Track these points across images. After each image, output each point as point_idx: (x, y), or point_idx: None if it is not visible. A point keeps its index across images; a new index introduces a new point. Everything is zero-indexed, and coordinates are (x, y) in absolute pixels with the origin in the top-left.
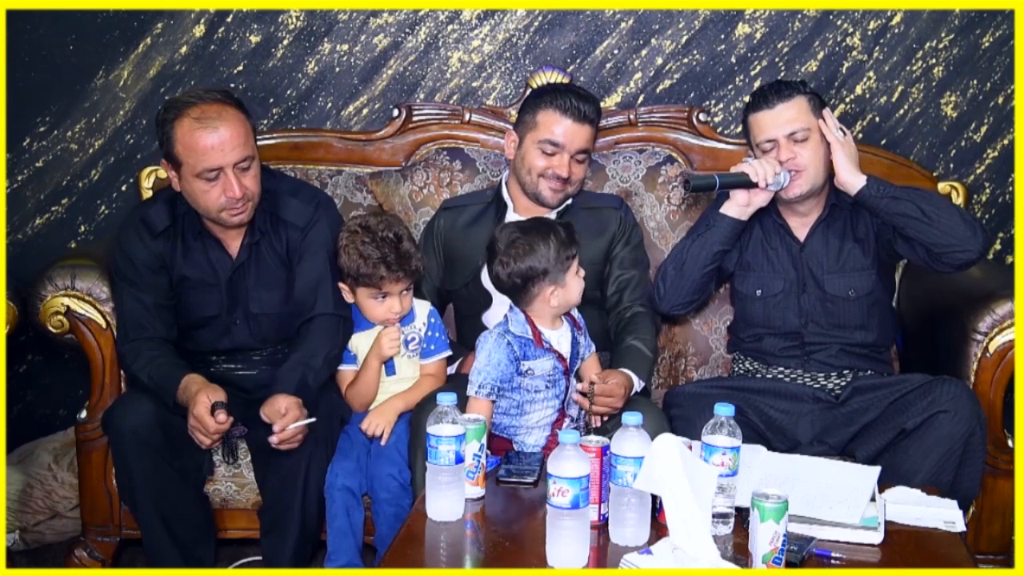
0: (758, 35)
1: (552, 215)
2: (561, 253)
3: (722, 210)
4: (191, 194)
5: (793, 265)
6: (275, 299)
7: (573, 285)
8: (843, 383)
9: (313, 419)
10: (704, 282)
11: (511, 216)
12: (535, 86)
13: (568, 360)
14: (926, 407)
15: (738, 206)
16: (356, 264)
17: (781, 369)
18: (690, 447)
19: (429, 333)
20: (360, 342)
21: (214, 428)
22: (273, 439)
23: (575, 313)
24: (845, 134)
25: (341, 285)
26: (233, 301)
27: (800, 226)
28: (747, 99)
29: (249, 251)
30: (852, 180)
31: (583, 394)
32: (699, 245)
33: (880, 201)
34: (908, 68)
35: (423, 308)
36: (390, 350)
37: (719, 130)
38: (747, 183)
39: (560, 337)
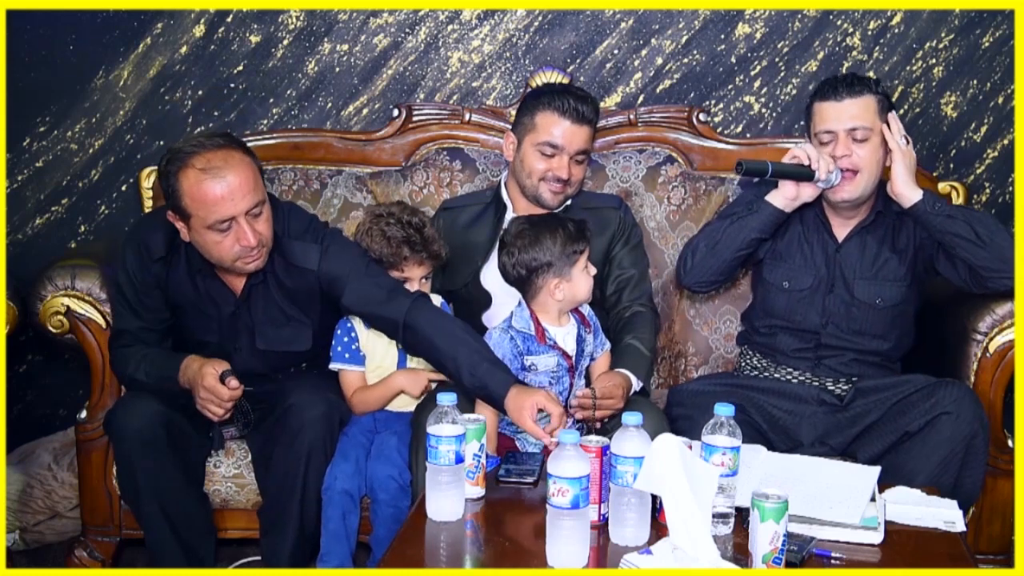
0: (758, 35)
1: None
2: (567, 247)
3: (768, 198)
4: (203, 245)
5: (826, 263)
6: (284, 336)
7: (580, 280)
8: (850, 388)
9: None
10: (734, 265)
11: (510, 217)
12: (535, 86)
13: (573, 358)
14: (929, 409)
15: (784, 198)
16: (380, 246)
17: (789, 370)
18: (690, 447)
19: None
20: (374, 345)
21: (228, 395)
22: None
23: (586, 311)
24: (908, 143)
25: None
26: (233, 332)
27: (841, 226)
28: (815, 85)
29: (252, 290)
30: (908, 193)
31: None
32: (737, 228)
33: (935, 218)
34: (908, 68)
35: (435, 299)
36: (415, 390)
37: (719, 130)
38: (798, 174)
39: (566, 335)
